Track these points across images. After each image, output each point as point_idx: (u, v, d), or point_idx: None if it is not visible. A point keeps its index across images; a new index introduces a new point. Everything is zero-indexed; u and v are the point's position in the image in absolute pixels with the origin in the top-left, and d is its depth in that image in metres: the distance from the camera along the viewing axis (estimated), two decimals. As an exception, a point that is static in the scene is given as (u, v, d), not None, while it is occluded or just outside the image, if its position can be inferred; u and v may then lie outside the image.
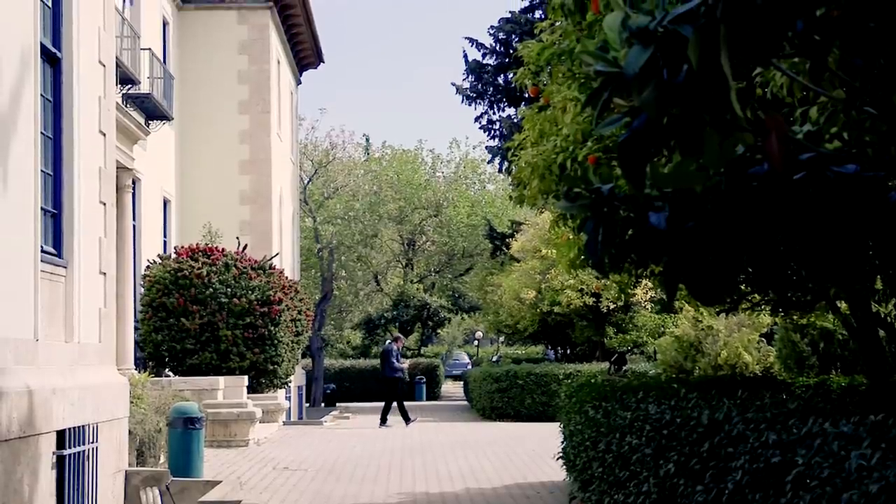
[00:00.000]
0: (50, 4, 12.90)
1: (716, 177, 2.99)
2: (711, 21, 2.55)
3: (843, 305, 11.26)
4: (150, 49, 27.27)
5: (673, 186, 3.06)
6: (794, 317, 14.64)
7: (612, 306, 32.69)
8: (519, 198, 11.12)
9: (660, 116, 2.75)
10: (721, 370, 20.38)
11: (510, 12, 37.17)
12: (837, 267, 3.23)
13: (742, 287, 9.21)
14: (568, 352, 40.53)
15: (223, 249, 24.43)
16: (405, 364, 32.97)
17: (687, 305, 19.95)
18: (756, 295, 10.74)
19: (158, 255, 25.15)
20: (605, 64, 2.82)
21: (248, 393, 23.00)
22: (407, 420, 29.71)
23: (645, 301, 32.27)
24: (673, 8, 2.64)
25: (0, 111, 10.72)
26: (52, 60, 12.85)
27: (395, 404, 30.29)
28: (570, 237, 11.00)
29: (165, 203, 30.72)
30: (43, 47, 12.31)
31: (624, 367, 33.05)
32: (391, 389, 30.79)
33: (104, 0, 14.38)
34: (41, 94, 12.14)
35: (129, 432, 14.28)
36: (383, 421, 29.55)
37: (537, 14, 35.41)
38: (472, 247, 54.10)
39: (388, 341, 33.88)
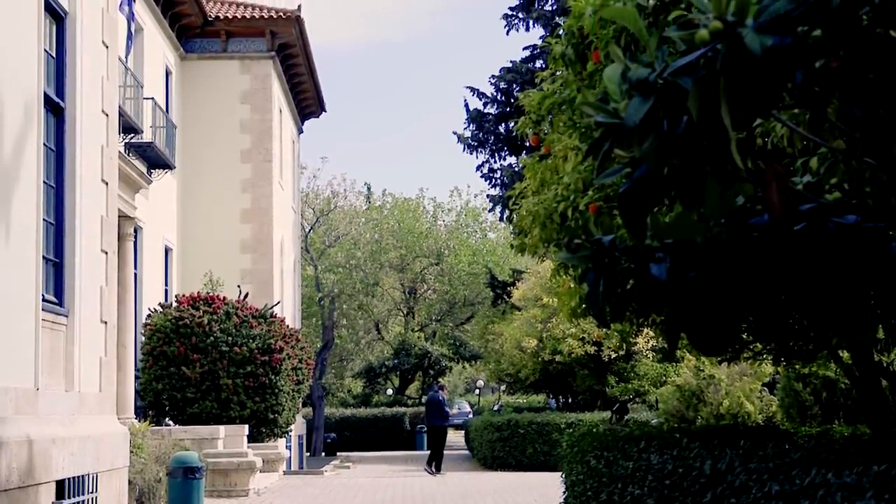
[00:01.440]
0: (54, 54, 12.99)
1: (716, 227, 3.00)
2: (711, 73, 2.56)
3: (845, 355, 11.23)
4: (152, 98, 27.40)
5: (674, 237, 3.07)
6: (797, 366, 14.60)
7: (613, 355, 32.63)
8: (520, 246, 11.12)
9: (660, 167, 2.76)
10: (723, 419, 20.30)
11: (511, 62, 37.37)
12: (839, 316, 3.23)
13: (744, 336, 9.19)
14: (569, 401, 40.41)
15: (224, 298, 24.42)
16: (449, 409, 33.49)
17: (688, 354, 19.91)
18: (758, 344, 10.71)
19: (160, 303, 25.15)
20: (605, 115, 2.84)
21: (249, 442, 22.90)
22: (438, 469, 30.36)
23: (646, 350, 32.21)
24: (673, 60, 2.66)
25: (3, 161, 10.76)
26: (55, 110, 12.91)
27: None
28: (572, 286, 10.99)
29: (167, 251, 30.75)
30: (46, 97, 12.38)
31: (626, 417, 32.93)
32: (442, 437, 31.48)
33: (107, 50, 14.47)
34: (44, 144, 12.19)
35: (129, 482, 14.20)
36: (438, 469, 30.22)
37: (538, 64, 35.60)
38: (474, 295, 54.06)
39: (435, 390, 34.03)
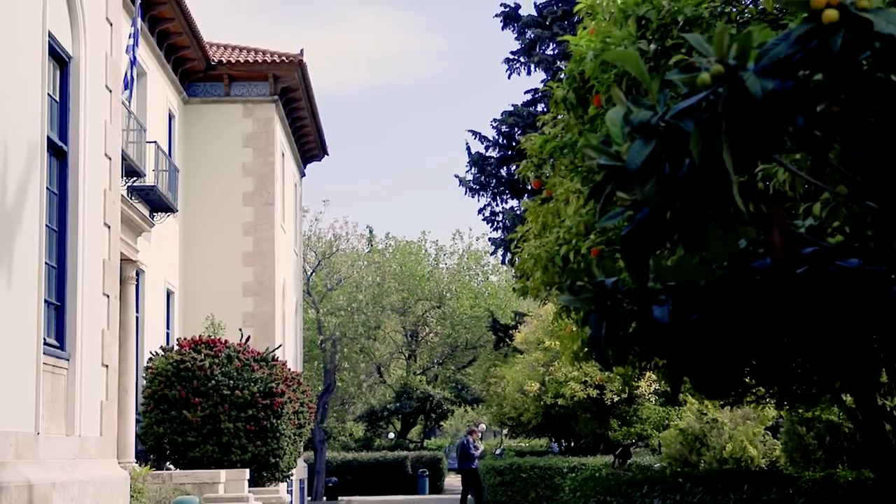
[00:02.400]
0: (57, 98, 13.04)
1: (719, 270, 2.99)
2: (713, 116, 2.57)
3: (848, 399, 11.20)
4: (155, 142, 27.51)
5: (676, 280, 3.06)
6: (800, 410, 14.56)
7: (616, 398, 32.51)
8: (522, 289, 11.13)
9: (662, 210, 2.76)
10: (726, 464, 20.20)
11: (513, 105, 37.54)
12: (842, 361, 3.22)
13: (747, 380, 9.17)
14: (572, 444, 40.22)
15: (226, 341, 24.39)
16: (481, 447, 33.42)
17: (691, 398, 19.85)
18: (761, 388, 10.70)
19: (161, 346, 25.11)
20: (607, 158, 2.84)
21: (250, 486, 22.78)
22: None
23: (649, 393, 32.11)
24: (674, 103, 2.67)
25: (6, 205, 10.78)
26: (58, 154, 12.96)
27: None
28: (574, 329, 10.98)
29: (169, 294, 30.74)
30: (49, 140, 12.42)
31: (628, 461, 32.79)
32: (474, 479, 31.69)
33: (111, 94, 14.54)
34: (47, 187, 12.22)
35: (129, 527, 14.12)
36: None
37: (539, 107, 35.76)
38: (476, 338, 53.98)
39: (464, 434, 34.10)
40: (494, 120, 37.73)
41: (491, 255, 48.08)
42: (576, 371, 31.01)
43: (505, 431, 58.53)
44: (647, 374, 16.92)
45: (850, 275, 2.85)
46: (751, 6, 8.16)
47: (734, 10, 7.89)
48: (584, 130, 8.32)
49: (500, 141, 37.70)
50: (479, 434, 34.31)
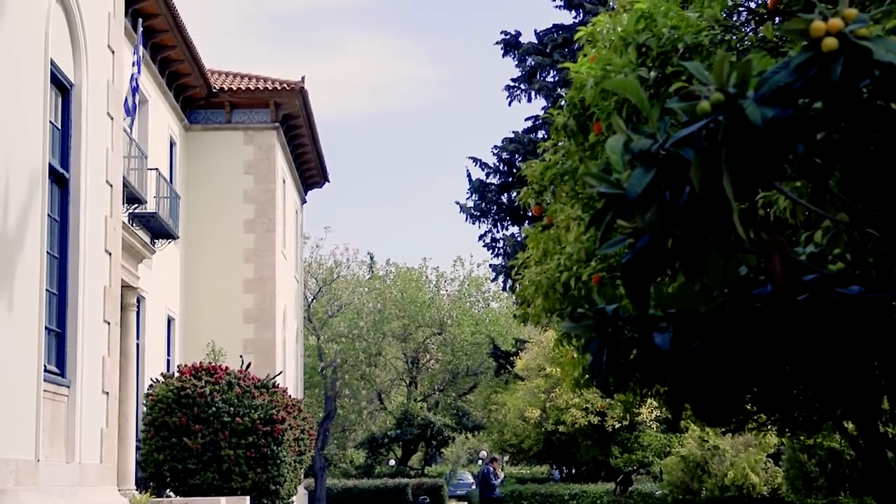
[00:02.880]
0: (59, 125, 13.07)
1: (720, 297, 3.00)
2: (713, 144, 2.58)
3: (850, 426, 11.18)
4: (156, 169, 27.55)
5: (677, 307, 3.06)
6: (802, 437, 14.53)
7: (617, 425, 32.46)
8: (523, 316, 11.12)
9: (663, 238, 2.76)
10: (728, 491, 20.15)
11: (513, 132, 37.60)
12: (843, 388, 3.22)
13: (748, 407, 9.15)
14: (573, 471, 40.12)
15: (226, 368, 24.34)
16: (502, 475, 33.23)
17: (693, 425, 19.81)
18: (762, 415, 10.67)
19: (161, 373, 25.06)
20: (608, 185, 2.85)
21: (250, 514, 22.69)
22: None
23: (650, 420, 32.04)
24: (674, 131, 2.67)
25: (7, 232, 10.79)
26: (59, 181, 12.97)
27: None
28: (575, 356, 10.97)
29: (169, 321, 30.72)
30: (51, 168, 12.44)
31: (630, 488, 32.68)
32: None
33: (112, 122, 14.57)
34: (48, 214, 12.23)
35: (129, 554, 14.08)
36: None
37: (540, 134, 35.81)
38: (477, 365, 53.93)
39: (485, 464, 33.95)
40: (495, 146, 37.81)
41: (492, 281, 48.03)
42: (577, 398, 30.96)
43: (506, 458, 58.40)
44: (649, 400, 16.89)
45: (852, 302, 2.85)
46: (750, 34, 8.19)
47: (734, 37, 7.91)
48: (585, 157, 8.34)
49: (501, 168, 37.76)
50: (500, 462, 34.10)
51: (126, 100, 19.98)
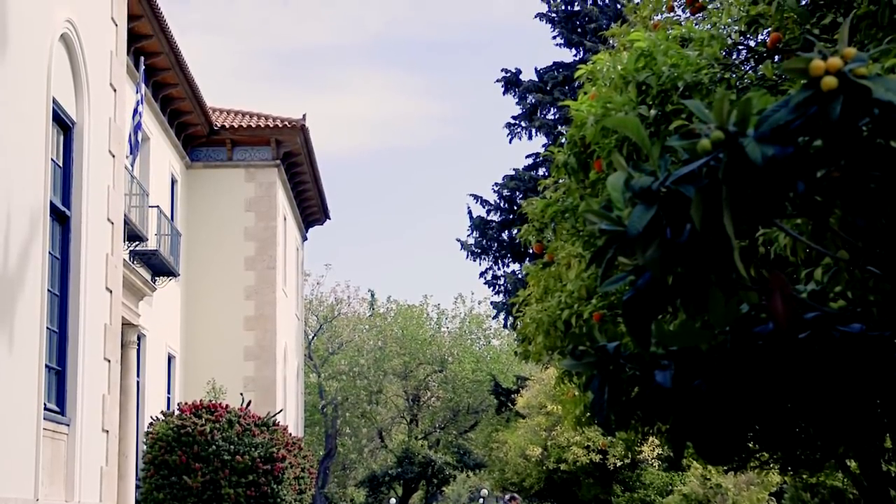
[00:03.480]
0: (61, 163, 13.10)
1: (721, 335, 2.99)
2: (713, 182, 2.58)
3: (853, 464, 11.13)
4: (157, 206, 27.59)
5: (678, 345, 3.06)
6: (804, 475, 14.47)
7: (619, 463, 32.32)
8: (524, 353, 11.10)
9: (664, 275, 2.76)
10: (731, 529, 20.04)
11: (514, 170, 37.69)
12: (846, 426, 3.21)
13: (750, 445, 9.12)
14: (575, 510, 39.90)
15: (227, 406, 24.28)
16: None
17: (695, 463, 19.74)
18: (765, 453, 10.63)
19: (162, 411, 25.00)
20: (608, 223, 2.85)
21: (250, 553, 22.55)
22: None
23: (652, 458, 31.91)
24: (675, 169, 2.68)
25: (8, 270, 10.80)
26: (61, 219, 12.99)
27: None
28: (576, 394, 10.95)
29: (170, 359, 30.67)
30: (52, 206, 12.46)
31: (632, 526, 32.49)
32: None
33: (114, 159, 14.61)
34: (49, 252, 12.24)
35: None
36: None
37: (541, 171, 35.91)
38: (478, 403, 53.78)
39: (505, 502, 33.76)
40: (496, 184, 37.90)
41: (493, 318, 48.02)
42: (578, 436, 30.84)
43: (507, 497, 58.04)
44: (650, 438, 16.84)
45: (853, 340, 2.85)
46: (750, 72, 8.22)
47: (734, 76, 7.95)
48: (586, 195, 8.35)
49: (502, 205, 37.82)
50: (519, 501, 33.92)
51: (129, 137, 20.04)
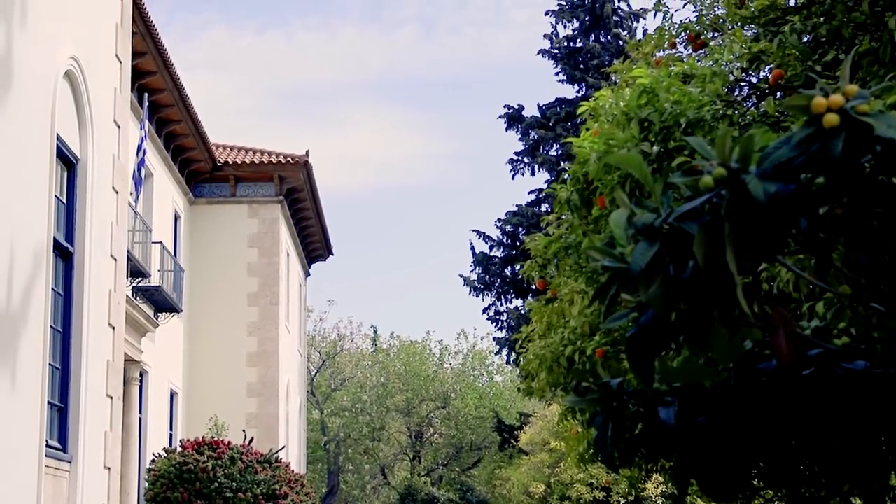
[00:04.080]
0: (64, 200, 13.13)
1: (725, 372, 2.99)
2: (716, 219, 2.58)
3: (858, 502, 11.08)
4: (161, 242, 27.62)
5: (682, 381, 3.06)
6: (809, 512, 14.38)
7: (622, 501, 32.16)
8: (527, 390, 11.07)
9: (667, 312, 2.76)
10: (736, 567, 19.91)
11: (517, 205, 37.72)
12: (851, 463, 3.20)
13: (754, 482, 9.08)
14: (578, 547, 39.66)
15: (229, 442, 24.21)
16: None
17: (699, 500, 19.63)
18: (769, 490, 10.58)
19: (164, 448, 24.92)
20: (611, 259, 2.85)
21: (252, 591, 22.42)
22: None
23: (656, 496, 31.75)
24: (678, 205, 2.68)
25: (11, 307, 10.80)
26: (63, 255, 13.00)
27: None
28: (580, 430, 10.91)
29: (172, 395, 30.61)
30: (56, 242, 12.47)
31: (636, 564, 32.28)
32: None
33: (117, 196, 14.64)
34: (52, 288, 12.24)
35: None
36: None
37: (543, 207, 35.94)
38: (481, 439, 53.58)
39: None
40: (499, 220, 37.93)
41: (496, 354, 47.95)
42: (582, 473, 30.72)
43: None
44: (654, 476, 16.77)
45: (857, 377, 2.85)
46: (752, 108, 8.24)
47: (736, 112, 7.97)
48: (588, 231, 8.36)
49: (505, 241, 37.84)
50: None
51: (132, 174, 20.09)
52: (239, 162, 33.79)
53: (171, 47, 29.90)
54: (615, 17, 37.65)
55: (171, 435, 29.86)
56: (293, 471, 26.16)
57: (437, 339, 62.31)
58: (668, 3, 9.98)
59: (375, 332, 60.21)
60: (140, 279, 24.95)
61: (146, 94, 24.86)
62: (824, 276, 2.98)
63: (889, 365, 2.86)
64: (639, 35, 34.79)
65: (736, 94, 8.61)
